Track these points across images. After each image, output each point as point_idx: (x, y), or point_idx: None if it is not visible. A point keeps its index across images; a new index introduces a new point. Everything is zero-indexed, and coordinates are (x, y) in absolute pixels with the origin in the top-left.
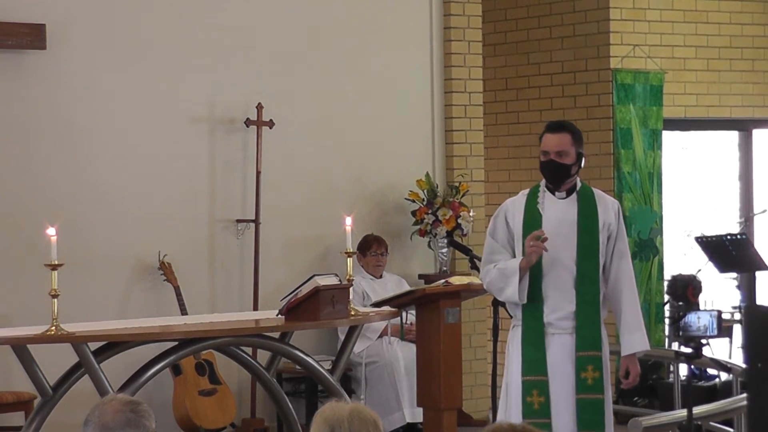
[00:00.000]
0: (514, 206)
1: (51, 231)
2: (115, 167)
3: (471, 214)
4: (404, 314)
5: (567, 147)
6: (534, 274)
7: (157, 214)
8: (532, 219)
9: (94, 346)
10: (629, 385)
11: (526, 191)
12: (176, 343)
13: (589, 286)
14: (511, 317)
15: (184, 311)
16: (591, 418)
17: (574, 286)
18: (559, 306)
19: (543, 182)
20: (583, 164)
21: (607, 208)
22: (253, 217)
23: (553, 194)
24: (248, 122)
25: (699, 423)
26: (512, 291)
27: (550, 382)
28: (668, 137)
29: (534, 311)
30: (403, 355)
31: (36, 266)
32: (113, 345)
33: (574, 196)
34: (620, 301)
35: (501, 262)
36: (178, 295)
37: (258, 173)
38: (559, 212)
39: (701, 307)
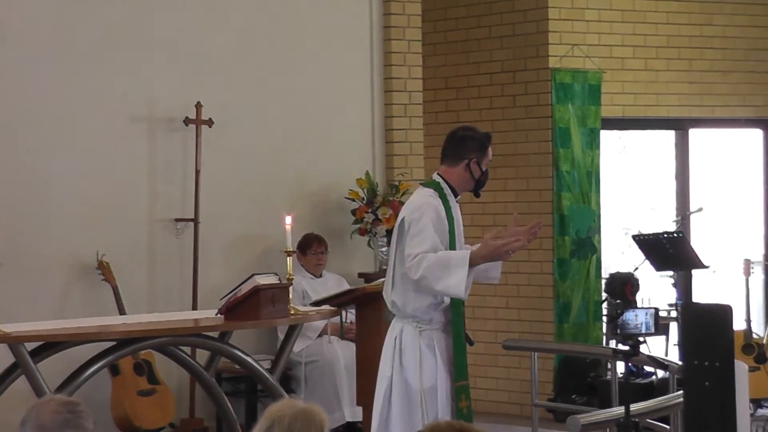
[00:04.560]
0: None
1: None
2: (53, 165)
3: None
4: (344, 313)
5: None
6: None
7: (95, 213)
8: (449, 221)
9: (30, 346)
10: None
11: (431, 192)
12: (114, 343)
13: None
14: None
15: (122, 311)
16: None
17: None
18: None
19: (443, 184)
20: None
21: None
22: (193, 216)
23: (455, 197)
24: (187, 121)
25: (636, 420)
26: (456, 282)
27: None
28: (606, 136)
29: (460, 315)
30: (343, 354)
31: None
32: (50, 345)
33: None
34: None
35: (440, 252)
36: (117, 294)
37: (197, 172)
38: (458, 215)
39: (638, 304)
